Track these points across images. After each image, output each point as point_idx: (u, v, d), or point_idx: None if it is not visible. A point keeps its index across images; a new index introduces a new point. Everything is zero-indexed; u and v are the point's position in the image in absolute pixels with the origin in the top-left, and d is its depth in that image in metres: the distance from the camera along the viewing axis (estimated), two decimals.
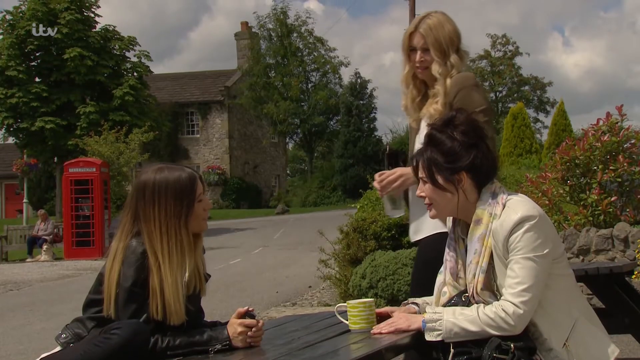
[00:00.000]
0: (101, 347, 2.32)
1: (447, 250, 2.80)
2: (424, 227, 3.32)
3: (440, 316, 2.56)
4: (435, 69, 3.30)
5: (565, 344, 2.54)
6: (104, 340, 2.33)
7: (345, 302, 2.77)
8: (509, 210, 2.59)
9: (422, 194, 2.74)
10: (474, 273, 2.63)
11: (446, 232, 2.96)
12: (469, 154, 2.65)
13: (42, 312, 9.76)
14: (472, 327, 2.52)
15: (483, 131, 2.75)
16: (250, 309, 2.63)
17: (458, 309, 2.60)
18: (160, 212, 2.55)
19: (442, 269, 2.82)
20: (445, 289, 2.76)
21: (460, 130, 2.68)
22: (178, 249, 2.56)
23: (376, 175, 3.34)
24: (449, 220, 2.85)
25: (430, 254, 3.20)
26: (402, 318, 2.65)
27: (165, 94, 43.94)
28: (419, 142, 3.48)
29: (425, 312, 2.70)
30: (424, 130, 3.43)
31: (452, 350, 2.55)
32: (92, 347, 2.34)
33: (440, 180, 2.67)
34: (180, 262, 2.56)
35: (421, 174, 2.73)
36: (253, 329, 2.56)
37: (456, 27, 3.36)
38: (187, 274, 2.58)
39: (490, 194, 2.66)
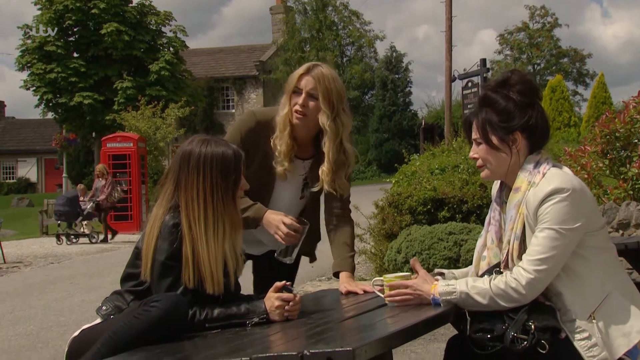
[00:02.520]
0: (141, 319, 2.35)
1: (491, 214, 2.77)
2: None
3: (454, 288, 2.54)
4: (323, 120, 3.11)
5: (591, 315, 2.49)
6: (143, 313, 2.36)
7: (381, 277, 2.76)
8: (545, 181, 2.54)
9: (475, 156, 2.70)
10: (509, 239, 2.62)
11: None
12: (524, 114, 2.61)
13: (82, 285, 9.93)
14: (484, 300, 2.50)
15: (539, 92, 2.71)
16: (287, 283, 2.65)
17: (471, 279, 2.57)
18: (205, 183, 2.57)
19: (482, 232, 2.80)
20: (485, 252, 2.74)
21: (517, 90, 2.62)
22: (228, 223, 2.59)
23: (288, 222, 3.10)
24: (496, 184, 2.82)
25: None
26: (418, 286, 2.61)
27: (201, 69, 44.09)
28: (285, 194, 3.31)
29: None
30: (291, 181, 3.27)
31: (468, 318, 2.53)
32: (132, 319, 2.37)
33: (494, 140, 2.63)
34: (229, 235, 2.59)
35: (475, 135, 2.68)
36: (290, 303, 2.58)
37: (343, 86, 3.22)
38: (240, 248, 2.64)
39: (534, 163, 2.62)
